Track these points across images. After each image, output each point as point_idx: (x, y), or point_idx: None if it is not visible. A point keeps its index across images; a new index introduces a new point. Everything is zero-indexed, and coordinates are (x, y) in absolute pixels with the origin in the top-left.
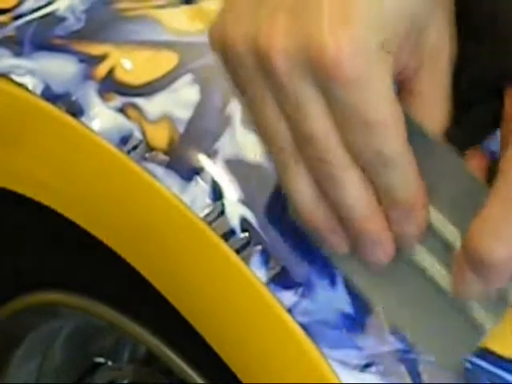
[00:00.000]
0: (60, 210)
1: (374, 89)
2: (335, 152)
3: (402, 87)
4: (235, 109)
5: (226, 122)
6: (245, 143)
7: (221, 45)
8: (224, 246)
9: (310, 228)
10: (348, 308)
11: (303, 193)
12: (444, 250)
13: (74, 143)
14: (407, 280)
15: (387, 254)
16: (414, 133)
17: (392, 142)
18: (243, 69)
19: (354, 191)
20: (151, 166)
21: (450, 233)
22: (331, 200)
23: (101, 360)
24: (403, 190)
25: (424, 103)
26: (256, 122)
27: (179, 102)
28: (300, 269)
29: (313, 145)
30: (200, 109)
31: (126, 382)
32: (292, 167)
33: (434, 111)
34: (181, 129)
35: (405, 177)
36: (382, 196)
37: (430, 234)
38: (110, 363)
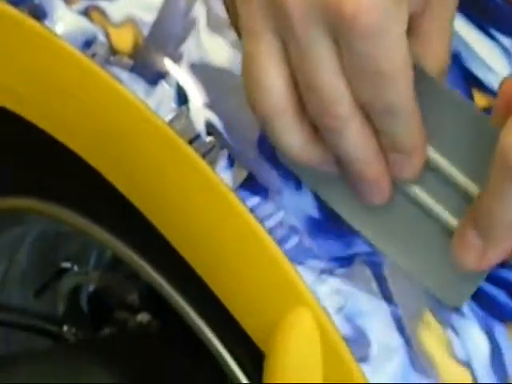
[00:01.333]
0: (24, 114)
1: (390, 39)
2: (340, 104)
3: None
4: (200, 12)
5: (190, 25)
6: (210, 47)
7: None
8: (190, 150)
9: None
10: (314, 212)
11: (295, 145)
12: (442, 186)
13: (37, 47)
14: (403, 214)
15: (384, 196)
16: (419, 76)
17: (401, 91)
18: (249, 9)
19: (356, 141)
20: (116, 69)
21: (451, 171)
22: (331, 147)
23: (67, 265)
24: (406, 137)
25: (428, 42)
26: (251, 64)
27: (143, 4)
28: (266, 173)
29: (318, 96)
30: (164, 12)
31: (92, 286)
32: (285, 117)
33: (439, 50)
34: (145, 32)
35: (409, 125)
36: (384, 140)
37: (429, 172)
38: (76, 268)
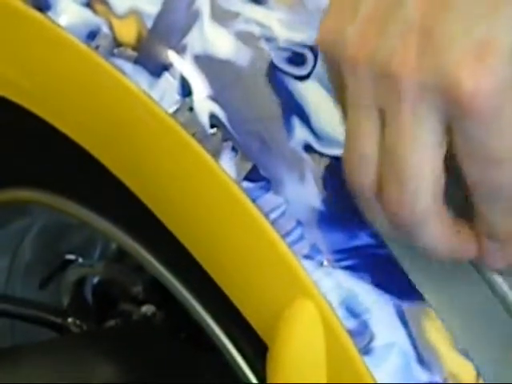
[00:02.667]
0: (27, 106)
1: (504, 121)
2: (422, 197)
3: None
4: (203, 4)
5: (194, 17)
6: (213, 39)
7: (335, 52)
8: (193, 142)
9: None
10: (318, 203)
11: (384, 223)
12: None
13: (41, 39)
14: (487, 310)
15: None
16: None
17: (509, 174)
18: (359, 84)
19: (436, 235)
20: (119, 61)
21: None
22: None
23: (72, 257)
24: (503, 225)
25: None
26: (351, 138)
27: None
28: (269, 165)
29: (412, 178)
30: (168, 3)
31: (96, 278)
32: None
33: None
34: (149, 24)
35: (509, 212)
36: (480, 226)
37: None
38: (80, 260)
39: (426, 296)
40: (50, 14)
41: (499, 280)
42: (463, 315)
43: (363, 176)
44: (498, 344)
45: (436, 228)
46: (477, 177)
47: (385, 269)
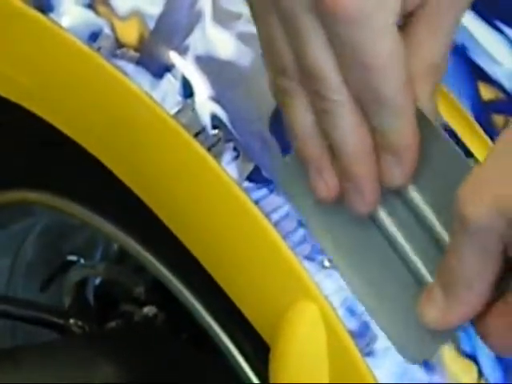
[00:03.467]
0: (30, 107)
1: (375, 29)
2: (332, 88)
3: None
4: (205, 5)
5: (196, 18)
6: (215, 40)
7: None
8: (195, 144)
9: (303, 159)
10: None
11: (302, 120)
12: (425, 238)
13: (43, 40)
14: (382, 258)
15: (367, 204)
16: (419, 117)
17: (391, 82)
18: None
19: (347, 127)
20: (121, 62)
21: (434, 223)
22: (325, 133)
23: (73, 258)
24: (397, 134)
25: (417, 42)
26: (266, 48)
27: None
28: (270, 166)
29: (312, 77)
30: (170, 4)
31: (98, 279)
32: (294, 94)
33: (428, 52)
34: (151, 25)
35: (400, 120)
36: (377, 138)
37: (408, 212)
38: (82, 261)
39: (333, 255)
40: (52, 15)
41: (399, 237)
42: (367, 276)
43: (286, 73)
44: (399, 304)
45: (348, 118)
46: (358, 84)
47: None
